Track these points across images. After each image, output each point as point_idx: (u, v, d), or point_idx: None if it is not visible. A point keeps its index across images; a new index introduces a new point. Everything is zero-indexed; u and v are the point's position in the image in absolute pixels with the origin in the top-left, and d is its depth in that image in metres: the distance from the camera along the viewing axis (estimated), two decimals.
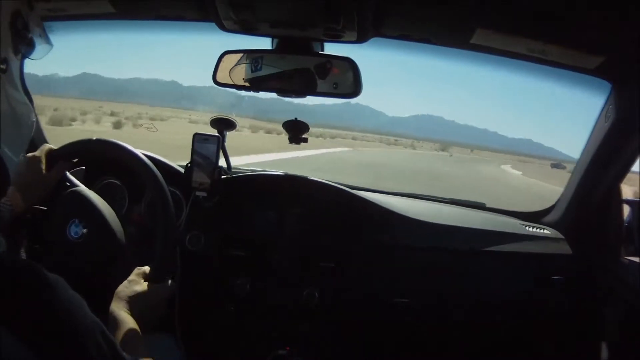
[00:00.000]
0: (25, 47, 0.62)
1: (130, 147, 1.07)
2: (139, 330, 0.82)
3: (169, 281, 1.02)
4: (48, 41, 0.68)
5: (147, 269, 0.98)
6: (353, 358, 1.40)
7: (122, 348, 0.62)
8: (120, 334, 0.80)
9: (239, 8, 0.93)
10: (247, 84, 1.10)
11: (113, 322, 0.82)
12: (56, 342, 0.50)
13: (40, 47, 0.65)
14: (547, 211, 1.62)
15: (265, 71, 1.09)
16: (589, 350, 1.31)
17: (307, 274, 1.30)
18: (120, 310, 0.85)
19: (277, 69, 1.08)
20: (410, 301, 1.30)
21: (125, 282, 0.93)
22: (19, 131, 0.60)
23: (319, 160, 15.11)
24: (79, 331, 0.53)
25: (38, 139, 1.31)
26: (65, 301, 0.54)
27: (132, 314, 0.86)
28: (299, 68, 1.07)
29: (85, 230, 1.04)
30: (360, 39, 1.02)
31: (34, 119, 0.66)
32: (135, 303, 0.89)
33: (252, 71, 1.09)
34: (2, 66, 0.56)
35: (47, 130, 1.46)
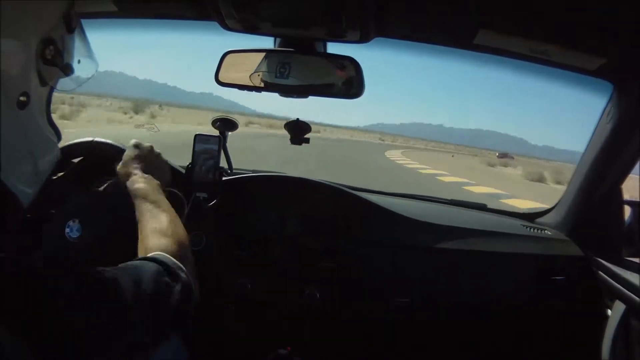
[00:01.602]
0: (56, 77, 0.56)
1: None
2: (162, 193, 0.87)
3: None
4: (92, 63, 0.63)
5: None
6: (353, 358, 1.40)
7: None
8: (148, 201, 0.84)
9: (242, 7, 0.93)
10: (249, 84, 1.09)
11: (136, 196, 0.86)
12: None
13: (79, 73, 0.60)
14: (547, 212, 1.62)
15: (281, 77, 1.08)
16: (589, 350, 1.32)
17: (308, 274, 1.29)
18: (138, 181, 0.89)
19: (295, 79, 1.08)
20: (411, 301, 1.30)
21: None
22: (36, 166, 0.55)
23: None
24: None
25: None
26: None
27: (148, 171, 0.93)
28: (324, 83, 1.07)
29: (83, 231, 1.04)
30: (363, 38, 1.01)
31: (58, 153, 0.62)
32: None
33: (265, 75, 1.09)
34: (22, 99, 0.50)
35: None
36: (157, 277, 0.61)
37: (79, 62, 0.59)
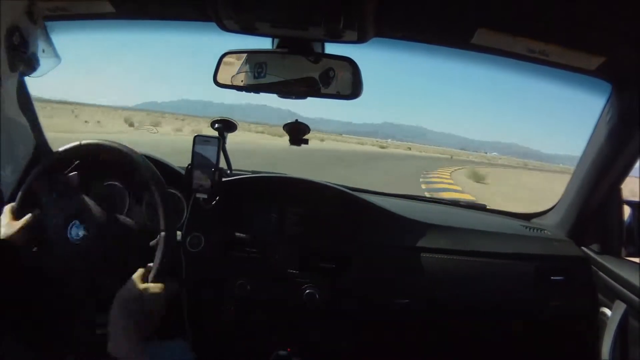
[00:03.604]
0: (23, 64, 0.58)
1: (130, 149, 1.07)
2: (137, 337, 0.79)
3: (169, 283, 1.01)
4: (55, 55, 0.65)
5: (147, 269, 0.97)
6: (353, 358, 1.40)
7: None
8: (118, 342, 0.77)
9: (240, 8, 0.93)
10: (248, 85, 1.09)
11: (112, 330, 0.78)
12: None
13: (45, 62, 0.62)
14: (547, 212, 1.62)
15: (259, 77, 1.08)
16: (589, 350, 1.31)
17: (308, 274, 1.29)
18: (120, 319, 0.81)
19: (273, 76, 1.08)
20: (410, 302, 1.30)
21: (126, 284, 0.90)
22: (12, 150, 0.57)
23: None
24: None
25: (44, 152, 1.31)
26: None
27: (132, 317, 0.82)
28: (303, 77, 1.06)
29: (85, 232, 1.04)
30: (361, 39, 1.01)
31: (32, 140, 0.63)
32: (135, 305, 0.85)
33: (247, 76, 1.09)
34: None
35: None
36: None
37: (43, 50, 0.62)
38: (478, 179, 17.14)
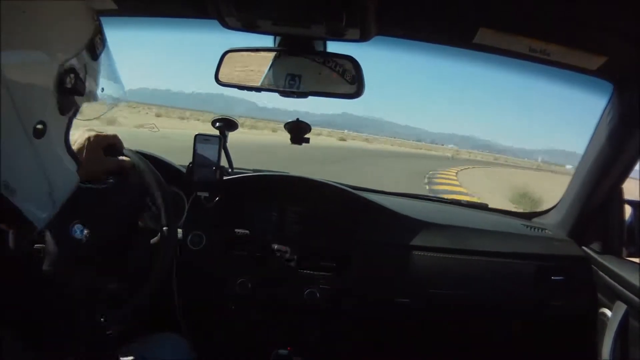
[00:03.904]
0: (76, 107, 0.54)
1: (129, 149, 1.07)
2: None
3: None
4: (119, 86, 0.60)
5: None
6: (353, 358, 1.40)
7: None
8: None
9: (242, 5, 0.93)
10: (250, 83, 1.09)
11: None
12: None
13: (102, 102, 0.58)
14: (548, 212, 1.62)
15: (268, 72, 1.08)
16: (589, 350, 1.31)
17: (308, 273, 1.29)
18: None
19: (281, 71, 1.07)
20: (411, 300, 1.30)
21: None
22: (52, 193, 0.54)
23: None
24: None
25: None
26: None
27: None
28: (303, 74, 1.06)
29: (88, 231, 1.04)
30: (363, 37, 1.01)
31: (74, 182, 0.60)
32: None
33: (255, 71, 1.08)
34: (38, 127, 0.49)
35: None
36: None
37: (102, 90, 0.57)
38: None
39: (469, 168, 24.32)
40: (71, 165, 0.59)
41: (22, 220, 0.50)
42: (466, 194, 10.58)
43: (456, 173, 18.26)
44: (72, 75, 0.51)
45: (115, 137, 1.01)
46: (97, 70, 0.55)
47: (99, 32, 0.55)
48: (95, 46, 0.54)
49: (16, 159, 0.47)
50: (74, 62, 0.51)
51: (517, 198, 11.06)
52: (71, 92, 0.51)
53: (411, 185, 10.55)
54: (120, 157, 1.03)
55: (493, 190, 13.23)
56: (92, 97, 0.56)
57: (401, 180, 11.76)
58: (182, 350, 1.10)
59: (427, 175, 14.12)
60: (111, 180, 1.30)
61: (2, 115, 0.44)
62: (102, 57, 0.56)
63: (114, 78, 0.59)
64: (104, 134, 0.97)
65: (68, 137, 0.58)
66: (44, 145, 0.50)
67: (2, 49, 0.42)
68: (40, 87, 0.48)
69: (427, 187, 11.35)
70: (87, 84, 0.54)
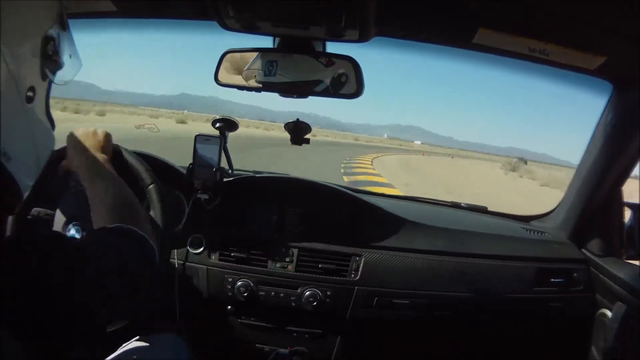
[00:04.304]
0: (53, 72, 0.59)
1: (140, 160, 1.07)
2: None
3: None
4: (78, 59, 0.66)
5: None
6: (353, 358, 1.40)
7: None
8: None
9: (241, 6, 0.93)
10: (249, 84, 1.09)
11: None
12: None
13: (69, 68, 0.62)
14: (547, 214, 1.62)
15: (269, 75, 1.08)
16: (589, 352, 1.31)
17: (308, 275, 1.29)
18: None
19: (283, 76, 1.07)
20: (410, 303, 1.30)
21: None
22: (36, 157, 0.57)
23: None
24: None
25: None
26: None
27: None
28: (313, 79, 1.06)
29: (83, 231, 1.04)
30: (362, 38, 1.01)
31: (53, 145, 0.64)
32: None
33: (257, 73, 1.08)
34: (29, 94, 0.53)
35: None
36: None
37: (70, 57, 0.62)
38: None
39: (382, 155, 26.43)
40: (49, 127, 0.63)
41: (13, 188, 0.52)
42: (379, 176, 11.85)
43: (371, 160, 19.43)
44: (51, 43, 0.56)
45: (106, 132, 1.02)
46: (66, 40, 0.60)
47: (64, 8, 0.60)
48: (63, 18, 0.59)
49: (13, 126, 0.49)
50: (51, 32, 0.56)
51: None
52: (51, 58, 0.56)
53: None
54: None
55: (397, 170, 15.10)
56: (62, 64, 0.61)
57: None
58: (182, 351, 1.10)
59: (343, 164, 14.71)
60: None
61: (2, 83, 0.47)
62: (68, 32, 0.62)
63: (75, 51, 0.65)
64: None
65: (48, 100, 0.65)
66: (32, 111, 0.54)
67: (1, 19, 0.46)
68: (30, 57, 0.53)
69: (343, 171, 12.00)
70: (60, 51, 0.59)
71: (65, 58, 0.61)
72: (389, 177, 12.23)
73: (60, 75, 0.61)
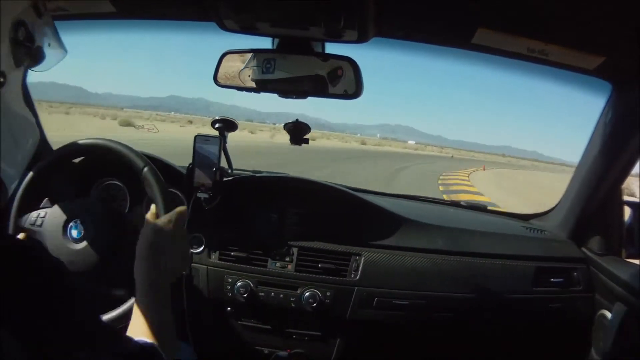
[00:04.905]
0: (28, 58, 0.58)
1: (129, 147, 1.07)
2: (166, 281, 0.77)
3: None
4: (61, 48, 0.65)
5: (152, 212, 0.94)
6: (353, 358, 1.40)
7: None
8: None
9: (240, 7, 0.93)
10: (248, 85, 1.09)
11: (140, 276, 0.75)
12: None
13: (50, 56, 0.62)
14: (547, 213, 1.62)
15: (267, 72, 1.08)
16: (589, 352, 1.31)
17: (308, 275, 1.29)
18: (143, 273, 0.76)
19: (282, 72, 1.07)
20: (410, 303, 1.30)
21: (145, 228, 0.82)
22: (18, 147, 0.57)
23: None
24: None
25: (45, 150, 1.31)
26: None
27: (161, 260, 0.77)
28: (305, 75, 1.06)
29: (84, 232, 1.04)
30: (361, 38, 1.01)
31: (37, 135, 0.63)
32: (163, 242, 0.80)
33: (254, 72, 1.09)
34: (0, 79, 0.53)
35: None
36: None
37: (49, 45, 0.62)
38: None
39: None
40: (31, 117, 0.62)
41: None
42: None
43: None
44: (22, 29, 0.55)
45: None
46: (42, 28, 0.60)
47: None
48: (38, 5, 0.59)
49: None
50: (23, 16, 0.55)
51: None
52: (23, 44, 0.56)
53: None
54: None
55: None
56: (40, 51, 0.60)
57: None
58: (182, 352, 1.10)
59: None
60: (107, 182, 1.31)
61: None
62: (46, 20, 0.61)
63: (57, 40, 0.64)
64: None
65: (26, 88, 0.63)
66: (4, 97, 0.53)
67: None
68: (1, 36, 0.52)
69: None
70: (35, 38, 0.58)
71: (44, 46, 0.60)
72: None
73: (40, 64, 0.61)
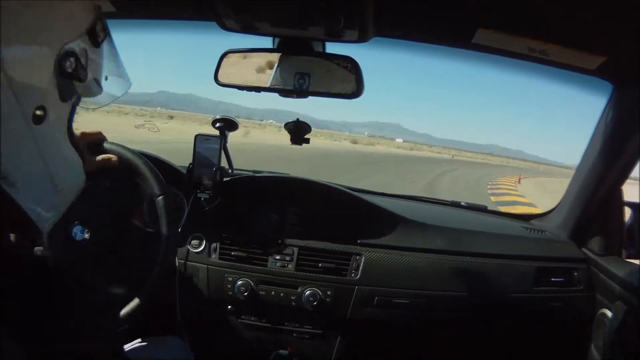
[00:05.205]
0: (78, 93, 0.52)
1: (131, 149, 1.07)
2: None
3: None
4: (124, 81, 0.58)
5: None
6: (353, 358, 1.40)
7: None
8: None
9: (240, 7, 0.93)
10: (249, 84, 1.09)
11: None
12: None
13: (109, 90, 0.56)
14: (547, 214, 1.62)
15: (268, 72, 1.08)
16: (589, 351, 1.31)
17: (308, 274, 1.29)
18: None
19: (285, 71, 1.07)
20: (410, 302, 1.30)
21: None
22: (56, 188, 0.51)
23: None
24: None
25: None
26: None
27: None
28: (303, 72, 1.05)
29: (86, 233, 1.04)
30: (362, 38, 1.01)
31: (81, 178, 0.57)
32: None
33: (254, 71, 1.09)
34: (38, 113, 0.46)
35: None
36: None
37: (106, 78, 0.56)
38: None
39: None
40: (76, 157, 0.56)
41: (25, 220, 0.47)
42: None
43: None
44: (72, 59, 0.49)
45: (99, 134, 0.99)
46: (99, 58, 0.54)
47: (100, 20, 0.54)
48: (96, 33, 0.53)
49: (15, 147, 0.44)
50: (73, 46, 0.49)
51: None
52: (72, 76, 0.50)
53: None
54: (107, 155, 1.01)
55: None
56: (95, 85, 0.54)
57: None
58: (182, 352, 1.10)
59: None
60: (107, 182, 1.31)
61: (1, 97, 0.42)
62: (106, 48, 0.55)
63: (119, 72, 0.58)
64: (87, 131, 0.95)
65: (71, 125, 0.56)
66: (44, 132, 0.48)
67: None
68: (39, 69, 0.47)
69: None
70: (88, 70, 0.52)
71: (101, 78, 0.54)
72: None
73: (92, 99, 0.55)
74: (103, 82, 0.54)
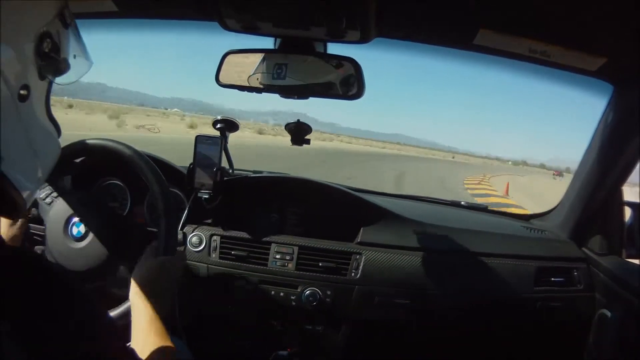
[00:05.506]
0: (53, 71, 0.56)
1: (132, 148, 1.07)
2: (157, 316, 0.82)
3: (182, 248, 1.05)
4: (87, 59, 0.63)
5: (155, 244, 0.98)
6: (353, 358, 1.40)
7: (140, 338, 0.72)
8: (140, 323, 0.81)
9: (242, 7, 0.93)
10: (250, 84, 1.09)
11: (133, 310, 0.83)
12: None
13: (76, 68, 0.60)
14: (547, 213, 1.62)
15: (276, 75, 1.07)
16: (589, 351, 1.31)
17: (308, 274, 1.29)
18: (138, 298, 0.84)
19: (292, 79, 1.06)
20: (411, 302, 1.30)
21: (139, 262, 0.93)
22: (38, 161, 0.55)
23: None
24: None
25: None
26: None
27: (152, 294, 0.85)
28: (323, 81, 1.05)
29: (85, 231, 1.04)
30: (363, 39, 1.01)
31: (59, 149, 0.61)
32: (152, 280, 0.89)
33: (255, 72, 1.08)
34: (22, 92, 0.51)
35: None
36: None
37: (74, 57, 0.60)
38: None
39: None
40: (53, 131, 0.61)
41: (10, 190, 0.50)
42: None
43: None
44: (48, 41, 0.54)
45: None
46: (68, 38, 0.59)
47: (66, 5, 0.58)
48: (65, 15, 0.57)
49: (4, 125, 0.48)
50: (49, 28, 0.54)
51: None
52: (49, 56, 0.54)
53: None
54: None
55: None
56: (66, 63, 0.59)
57: None
58: (182, 352, 1.10)
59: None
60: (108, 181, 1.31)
61: None
62: (72, 30, 0.60)
63: (84, 52, 0.63)
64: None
65: (49, 102, 0.61)
66: (27, 110, 0.52)
67: None
68: (22, 52, 0.51)
69: None
70: (61, 50, 0.57)
71: (69, 57, 0.59)
72: None
73: (64, 76, 0.59)
74: (71, 60, 0.59)
